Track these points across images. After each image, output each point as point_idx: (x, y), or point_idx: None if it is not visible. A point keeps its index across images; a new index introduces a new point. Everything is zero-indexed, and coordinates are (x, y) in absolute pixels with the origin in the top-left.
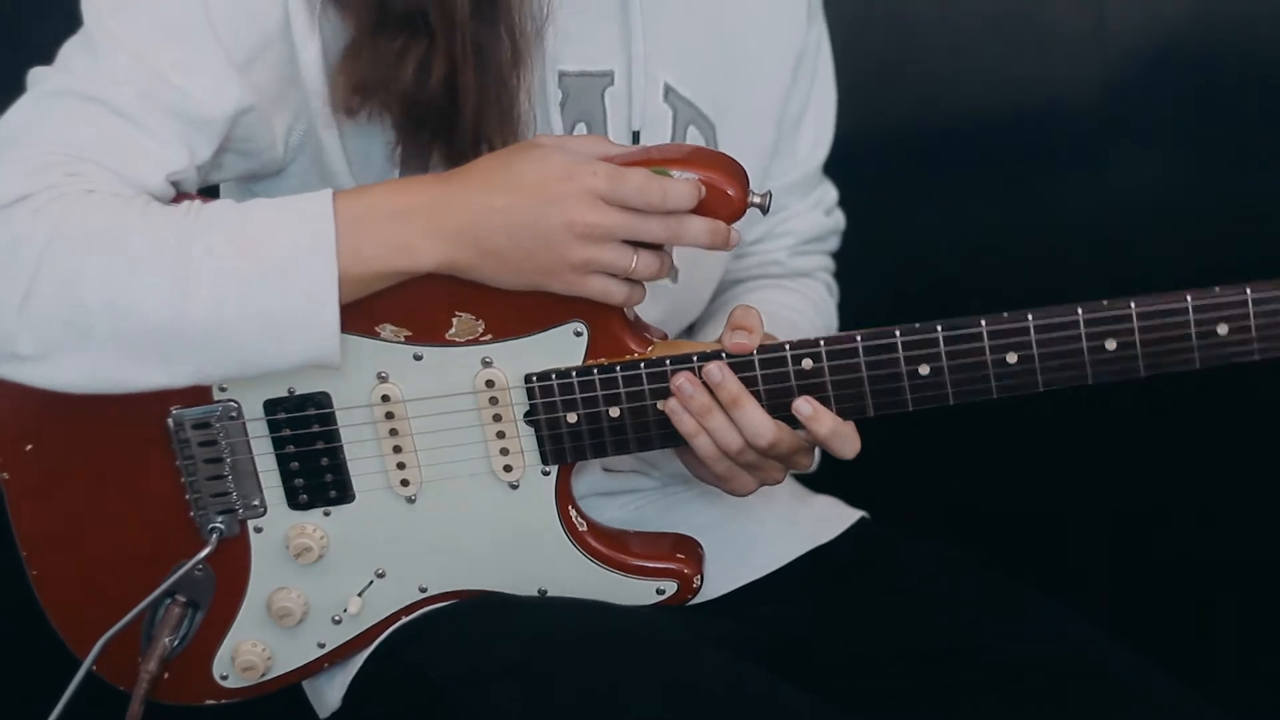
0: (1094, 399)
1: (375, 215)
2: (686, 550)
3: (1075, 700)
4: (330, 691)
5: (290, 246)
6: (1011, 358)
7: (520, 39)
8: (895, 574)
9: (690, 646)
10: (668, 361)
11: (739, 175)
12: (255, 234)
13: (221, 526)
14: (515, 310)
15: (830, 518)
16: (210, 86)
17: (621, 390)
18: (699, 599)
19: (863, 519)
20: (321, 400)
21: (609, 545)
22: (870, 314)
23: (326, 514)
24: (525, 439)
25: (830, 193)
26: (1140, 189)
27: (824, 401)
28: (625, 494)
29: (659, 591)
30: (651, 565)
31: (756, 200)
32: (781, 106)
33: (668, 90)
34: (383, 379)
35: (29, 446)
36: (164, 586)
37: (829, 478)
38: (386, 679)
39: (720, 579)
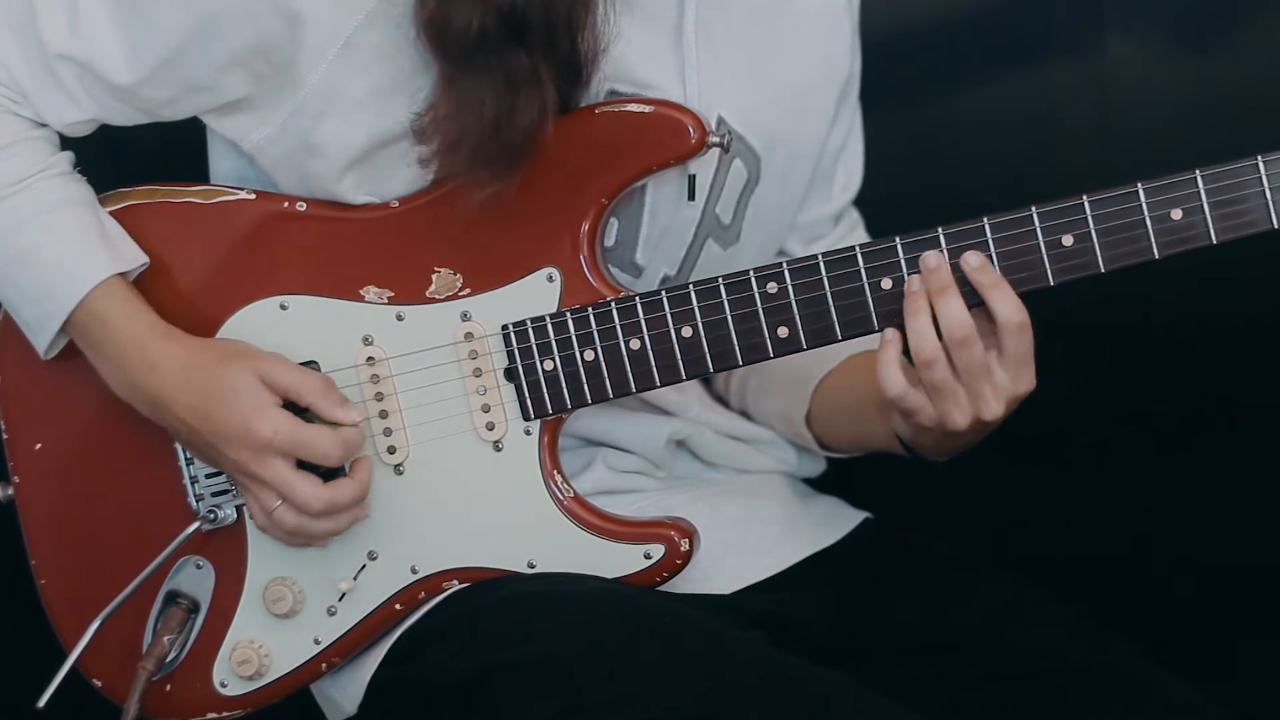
0: (1096, 397)
1: (111, 326)
2: (675, 521)
3: (1077, 696)
4: (343, 699)
5: (40, 287)
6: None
7: (587, 66)
8: (899, 572)
9: (713, 631)
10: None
11: (698, 117)
12: (35, 246)
13: (219, 510)
14: (491, 260)
15: (834, 519)
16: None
17: (594, 330)
18: (699, 590)
19: (867, 519)
20: (310, 368)
21: (593, 512)
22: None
23: None
24: (505, 391)
25: (854, 213)
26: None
27: (790, 325)
28: (629, 493)
29: (646, 556)
30: (637, 530)
31: (716, 140)
32: (825, 139)
33: (720, 122)
34: (368, 342)
35: (38, 446)
36: (159, 560)
37: (834, 478)
38: (405, 681)
39: (724, 580)
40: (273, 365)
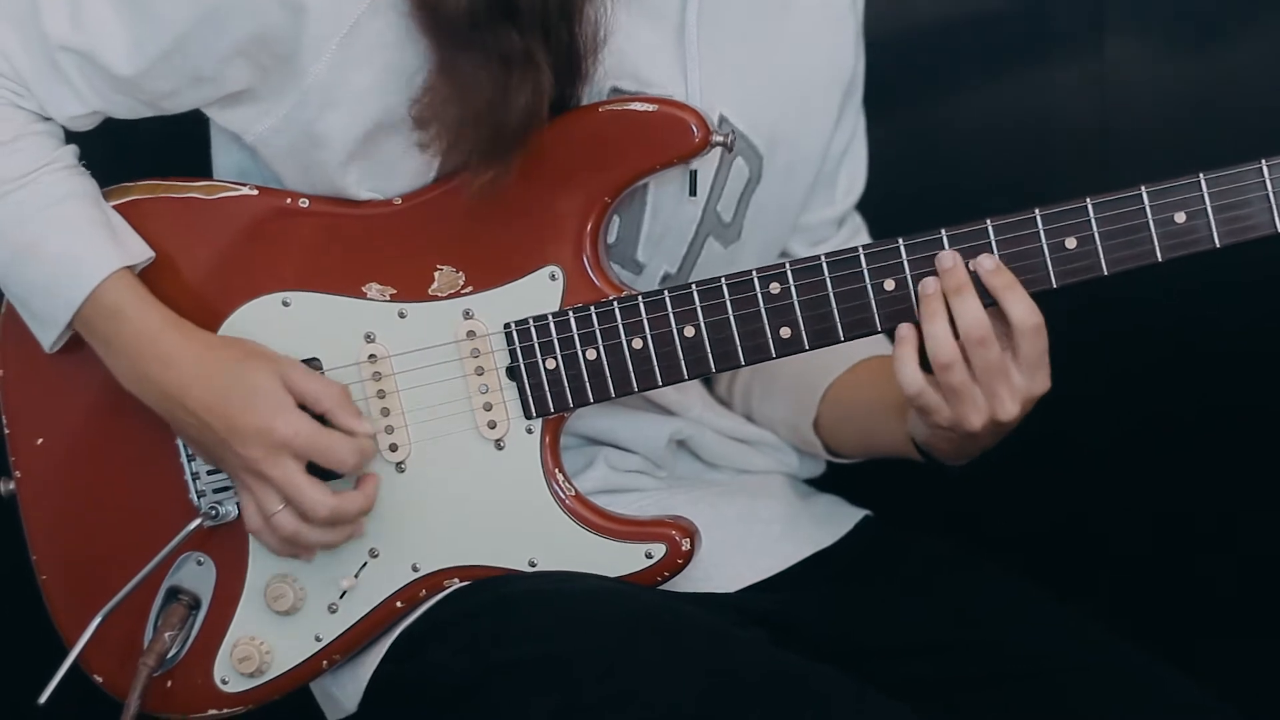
0: (1098, 397)
1: (121, 319)
2: (677, 520)
3: (1079, 695)
4: (343, 697)
5: (48, 280)
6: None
7: (587, 58)
8: (899, 571)
9: (715, 629)
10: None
11: (701, 116)
12: (40, 239)
13: (220, 507)
14: (494, 258)
15: (834, 517)
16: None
17: (597, 329)
18: (701, 589)
19: (867, 517)
20: (312, 365)
21: (595, 510)
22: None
23: None
24: (507, 390)
25: (857, 218)
26: (1137, 84)
27: (793, 325)
28: (630, 492)
29: (648, 555)
30: (639, 529)
31: (719, 139)
32: (828, 139)
33: (722, 120)
34: (370, 339)
35: (39, 440)
36: (160, 557)
37: (833, 477)
38: (406, 679)
39: (726, 579)
40: (295, 369)
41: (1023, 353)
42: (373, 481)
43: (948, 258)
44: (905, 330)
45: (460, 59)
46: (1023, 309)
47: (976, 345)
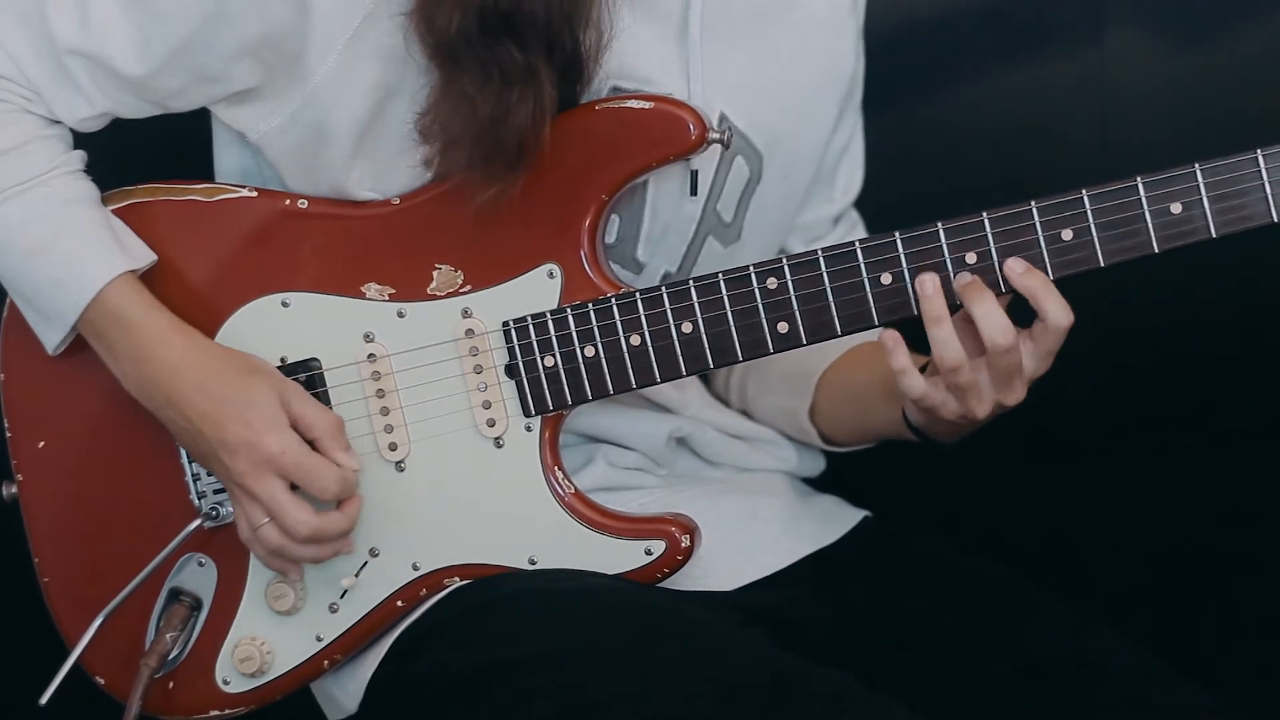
0: (1098, 395)
1: (125, 323)
2: (676, 517)
3: (1079, 695)
4: (343, 696)
5: (54, 281)
6: (971, 258)
7: (590, 63)
8: (899, 571)
9: (715, 629)
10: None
11: (698, 114)
12: (45, 241)
13: (221, 508)
14: (492, 257)
15: (834, 517)
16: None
17: (595, 327)
18: (701, 588)
19: (867, 518)
20: (311, 365)
21: (594, 508)
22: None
23: None
24: (506, 388)
25: (854, 213)
26: (1136, 81)
27: (790, 320)
28: (629, 490)
29: (647, 552)
30: (638, 526)
31: (716, 136)
32: (827, 139)
33: (722, 119)
34: (369, 339)
35: (41, 444)
36: (160, 558)
37: (833, 478)
38: (407, 678)
39: (726, 577)
40: (295, 392)
41: (1042, 346)
42: (355, 503)
43: (929, 284)
44: (893, 338)
45: (460, 76)
46: (1059, 310)
47: (1002, 354)
